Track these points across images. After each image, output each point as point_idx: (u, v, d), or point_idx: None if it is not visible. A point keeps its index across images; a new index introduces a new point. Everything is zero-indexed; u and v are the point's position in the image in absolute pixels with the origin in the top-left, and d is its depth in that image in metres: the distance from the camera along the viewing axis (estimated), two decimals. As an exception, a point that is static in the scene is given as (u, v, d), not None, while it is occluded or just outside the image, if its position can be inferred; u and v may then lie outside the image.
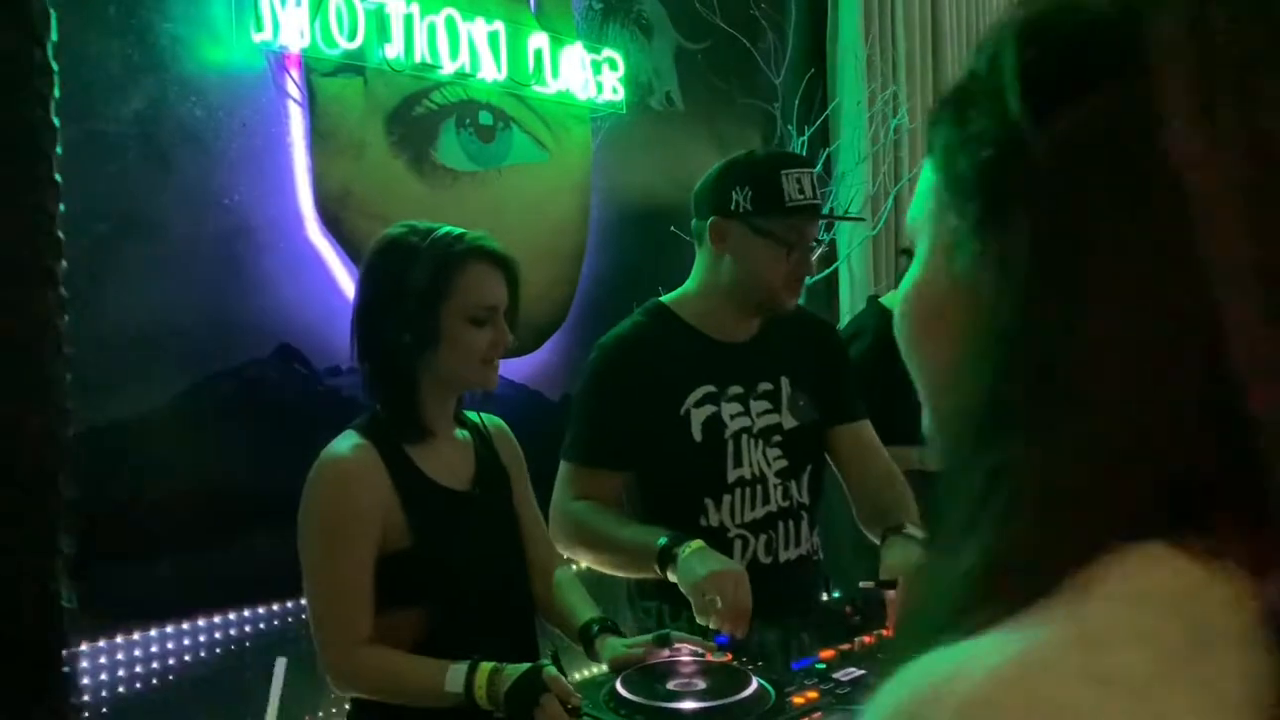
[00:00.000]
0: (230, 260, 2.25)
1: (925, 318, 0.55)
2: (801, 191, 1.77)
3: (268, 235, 2.31)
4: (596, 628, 1.62)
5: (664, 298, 1.94)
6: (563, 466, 1.86)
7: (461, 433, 1.66)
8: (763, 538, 1.84)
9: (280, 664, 1.56)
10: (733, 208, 1.78)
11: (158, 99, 2.16)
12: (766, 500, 1.85)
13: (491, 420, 1.76)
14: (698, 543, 1.65)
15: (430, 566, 1.52)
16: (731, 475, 1.83)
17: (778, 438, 1.88)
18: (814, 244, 1.91)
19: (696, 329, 1.86)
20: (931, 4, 3.64)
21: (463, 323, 1.52)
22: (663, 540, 1.65)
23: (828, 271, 3.32)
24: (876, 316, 2.88)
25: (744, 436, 1.85)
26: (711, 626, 1.57)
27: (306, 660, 1.66)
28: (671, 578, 1.64)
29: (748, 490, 1.84)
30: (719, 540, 1.80)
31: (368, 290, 1.57)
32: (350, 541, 1.49)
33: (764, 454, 1.86)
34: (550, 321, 2.82)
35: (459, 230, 1.57)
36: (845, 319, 3.27)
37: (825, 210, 1.99)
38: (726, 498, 1.82)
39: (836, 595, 2.54)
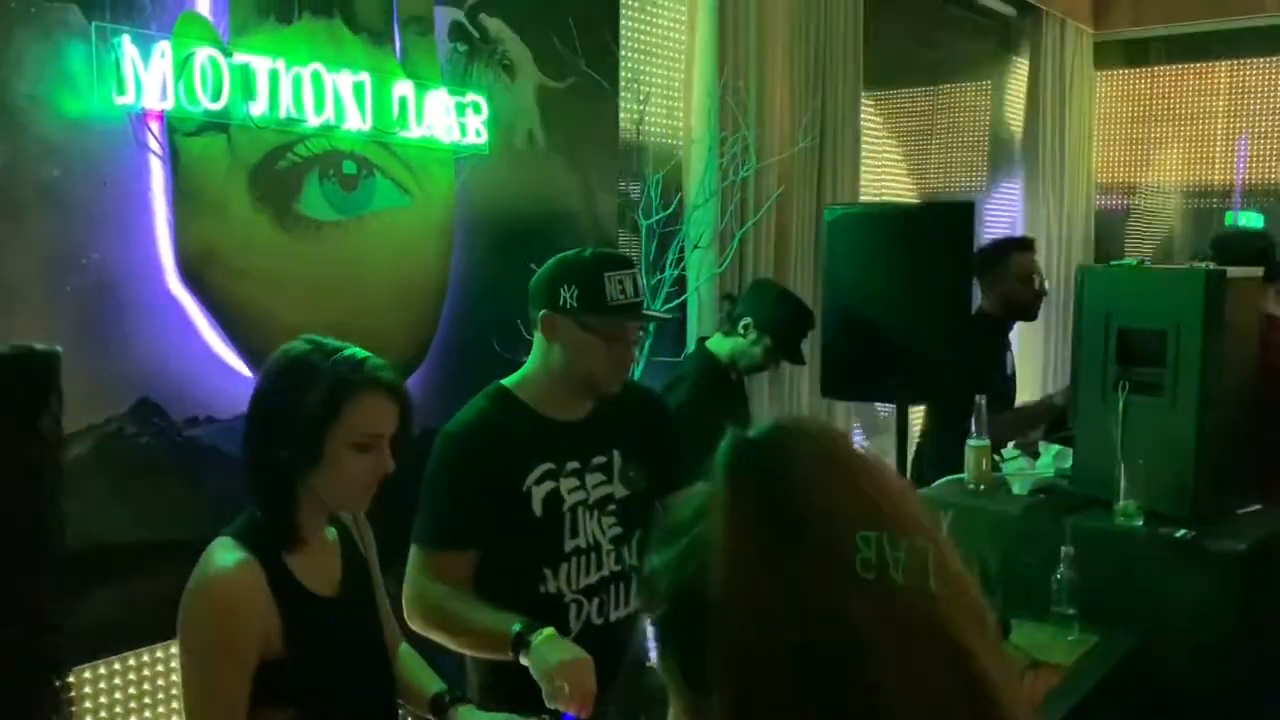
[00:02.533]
0: (90, 318, 2.26)
1: None
2: (623, 292, 1.95)
3: (128, 291, 2.33)
4: (447, 699, 1.77)
5: (505, 380, 2.09)
6: (413, 551, 1.98)
7: (331, 531, 1.74)
8: (595, 601, 2.03)
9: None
10: (561, 304, 1.95)
11: (12, 159, 2.14)
12: (600, 566, 2.04)
13: None
14: (549, 631, 1.81)
15: (303, 674, 1.60)
16: (568, 545, 2.00)
17: (611, 507, 2.06)
18: (636, 337, 2.10)
19: (535, 410, 2.02)
20: (786, 48, 3.83)
21: (346, 448, 1.58)
22: (516, 627, 1.80)
23: (676, 303, 3.51)
24: (699, 361, 3.09)
25: (580, 509, 2.02)
26: (560, 709, 1.76)
27: None
28: (524, 661, 1.79)
29: (583, 558, 2.02)
30: (555, 605, 1.99)
31: (260, 400, 1.62)
32: (231, 659, 1.55)
33: (599, 523, 2.04)
34: (411, 361, 2.91)
35: (361, 355, 1.61)
36: (690, 348, 3.48)
37: (646, 305, 2.17)
38: (564, 566, 2.00)
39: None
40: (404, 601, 1.94)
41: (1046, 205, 5.53)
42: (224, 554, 1.57)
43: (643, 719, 1.83)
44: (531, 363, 2.06)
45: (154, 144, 2.34)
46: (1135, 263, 2.90)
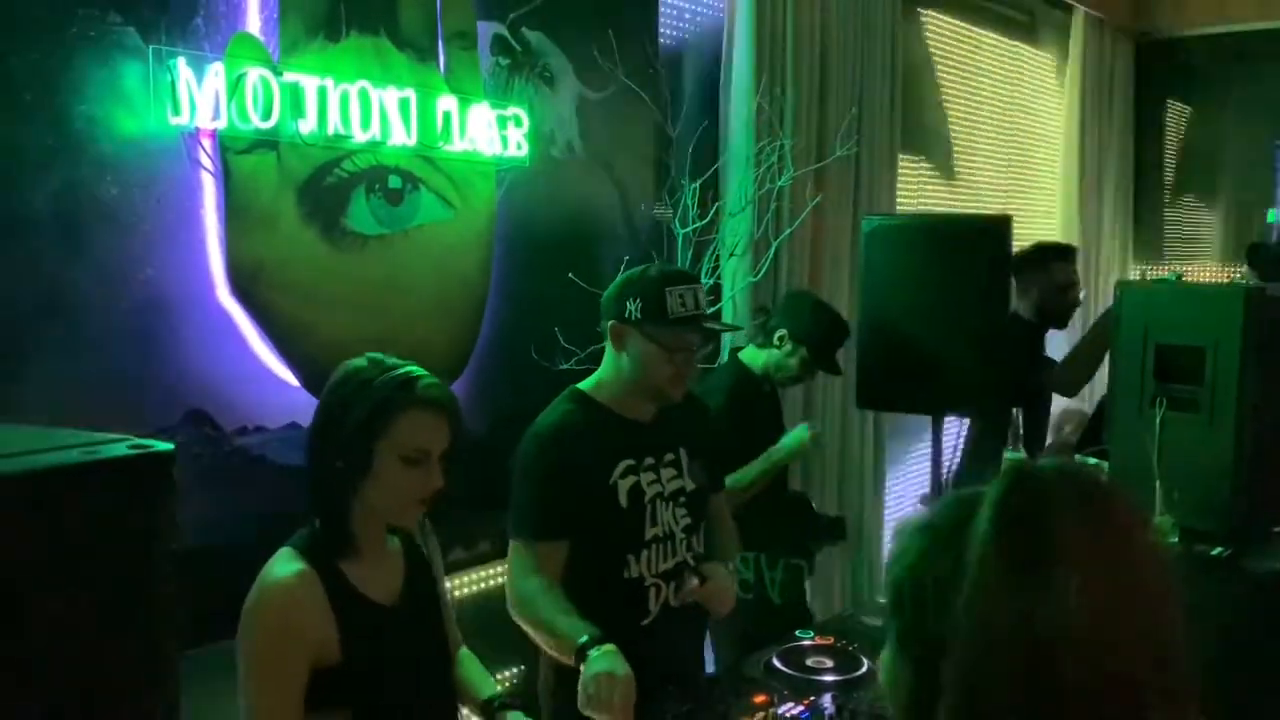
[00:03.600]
0: (144, 332, 2.33)
1: None
2: (684, 305, 2.10)
3: (181, 306, 2.39)
4: (496, 703, 1.85)
5: (580, 385, 2.26)
6: (512, 545, 2.13)
7: (394, 540, 1.80)
8: (672, 584, 2.20)
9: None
10: (627, 316, 2.12)
11: (73, 178, 2.21)
12: (674, 553, 2.22)
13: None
14: (610, 647, 1.90)
15: (358, 681, 1.66)
16: (649, 533, 2.18)
17: (683, 499, 2.25)
18: (698, 348, 2.21)
19: (613, 411, 2.19)
20: (820, 59, 3.84)
21: (394, 461, 1.66)
22: (584, 638, 1.91)
23: (713, 310, 3.53)
24: (733, 375, 3.11)
25: (657, 500, 2.20)
26: (590, 714, 1.83)
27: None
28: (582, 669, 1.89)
29: (661, 546, 2.19)
30: (637, 589, 2.16)
31: (319, 413, 1.70)
32: (287, 664, 1.62)
33: (673, 513, 2.22)
34: (452, 370, 2.96)
35: (417, 373, 1.69)
36: (725, 357, 3.51)
37: (709, 315, 2.28)
38: (644, 552, 2.17)
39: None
40: (507, 593, 2.09)
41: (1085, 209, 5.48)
42: (283, 565, 1.65)
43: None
44: (603, 369, 2.23)
45: (206, 162, 2.40)
46: (1174, 278, 2.89)
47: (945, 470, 3.26)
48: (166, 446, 0.99)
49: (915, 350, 3.17)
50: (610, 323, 2.16)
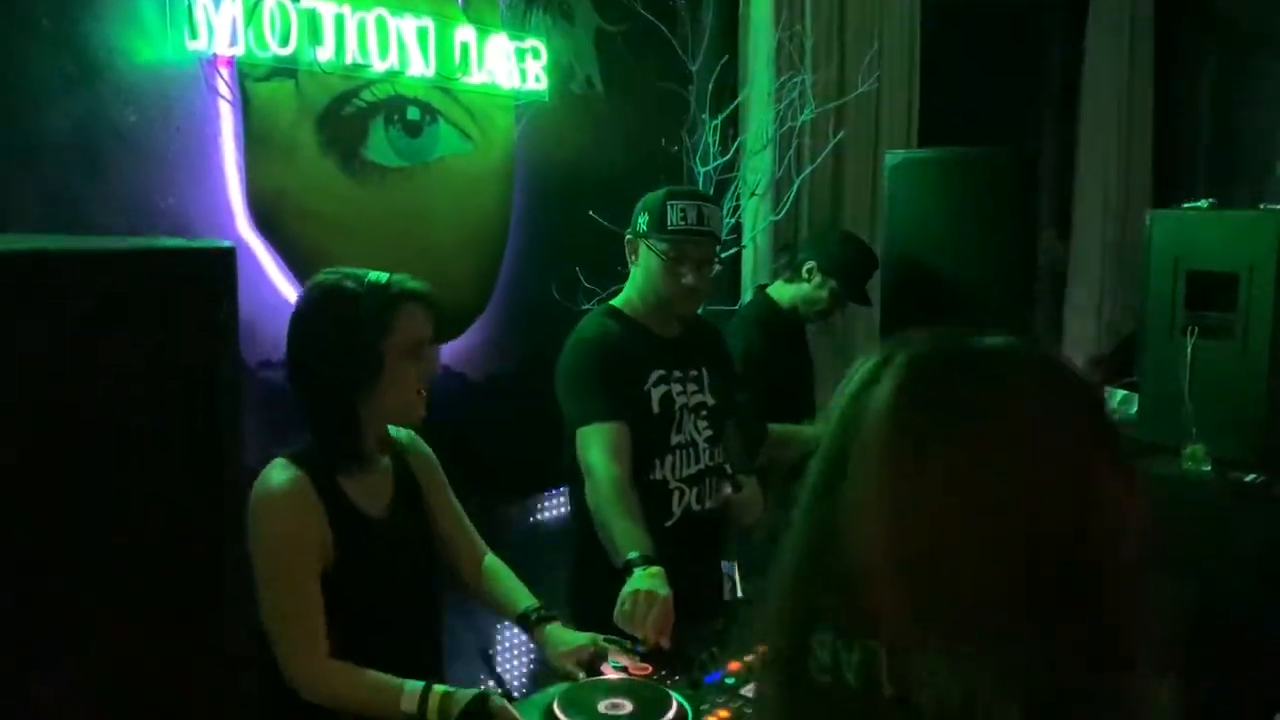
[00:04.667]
0: (166, 262, 2.30)
1: None
2: (685, 219, 2.19)
3: (200, 234, 2.36)
4: (534, 616, 1.88)
5: (614, 301, 2.36)
6: (582, 432, 2.15)
7: (385, 460, 1.84)
8: (694, 490, 2.28)
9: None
10: (636, 228, 2.26)
11: (93, 106, 2.18)
12: (697, 460, 2.29)
13: (405, 435, 1.94)
14: (656, 569, 1.92)
15: (349, 589, 1.71)
16: (674, 439, 2.26)
17: (704, 412, 2.33)
18: (709, 265, 2.27)
19: (641, 324, 2.29)
20: (841, -8, 3.77)
21: (400, 357, 1.72)
22: (633, 554, 1.94)
23: (731, 252, 3.50)
24: (760, 306, 3.08)
25: (684, 410, 2.28)
26: (624, 627, 1.84)
27: None
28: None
29: (684, 452, 2.28)
30: (662, 491, 2.24)
31: (309, 333, 1.73)
32: (297, 559, 1.67)
33: (695, 424, 2.30)
34: (473, 308, 2.94)
35: (386, 275, 1.75)
36: (746, 295, 3.48)
37: (723, 237, 2.40)
38: (669, 457, 2.25)
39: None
40: (587, 479, 2.11)
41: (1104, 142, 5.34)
42: (279, 472, 1.70)
43: (714, 650, 1.86)
44: (629, 285, 2.32)
45: (224, 89, 2.37)
46: (1207, 204, 2.85)
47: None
48: (229, 244, 0.99)
49: (940, 285, 3.14)
50: (627, 236, 2.29)
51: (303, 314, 1.75)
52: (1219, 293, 2.62)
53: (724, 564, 2.43)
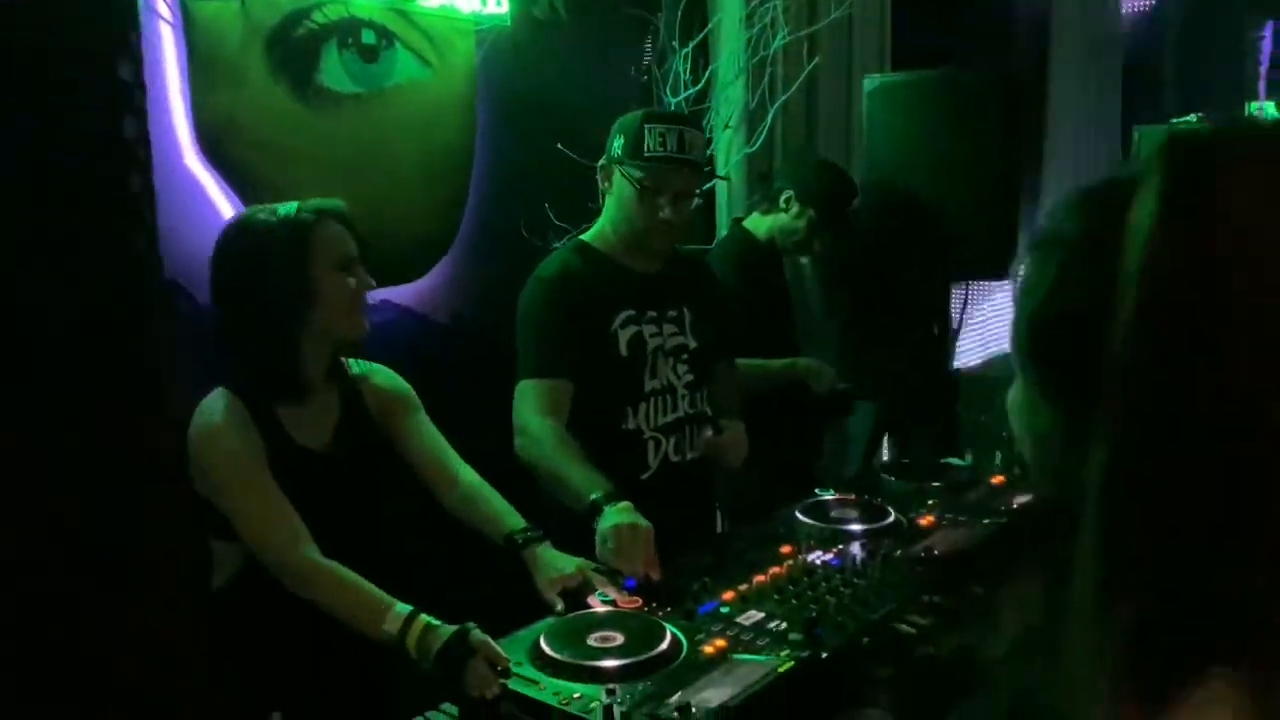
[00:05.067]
0: (106, 195, 2.15)
1: None
2: (663, 145, 2.04)
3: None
4: (521, 538, 1.80)
5: (584, 235, 2.21)
6: (520, 386, 2.05)
7: (335, 395, 1.81)
8: (672, 439, 2.16)
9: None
10: (611, 153, 2.09)
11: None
12: (675, 408, 2.17)
13: (367, 367, 1.89)
14: (625, 504, 1.83)
15: None
16: (648, 385, 2.13)
17: (685, 355, 2.19)
18: (688, 198, 2.11)
19: (614, 260, 2.14)
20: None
21: (331, 274, 1.71)
22: (596, 495, 1.85)
23: (707, 186, 3.38)
24: (737, 241, 2.96)
25: (658, 353, 2.14)
26: (612, 565, 1.76)
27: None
28: (595, 526, 1.82)
29: (660, 399, 2.14)
30: (635, 442, 2.12)
31: (234, 269, 1.72)
32: (257, 467, 1.66)
33: (674, 368, 2.17)
34: (437, 246, 2.80)
35: (295, 204, 1.73)
36: (722, 231, 3.37)
37: (704, 167, 2.20)
38: (643, 405, 2.12)
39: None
40: (515, 434, 2.02)
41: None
42: (215, 401, 1.69)
43: (706, 580, 1.77)
44: (603, 216, 2.18)
45: (163, 9, 2.20)
46: (1196, 119, 2.76)
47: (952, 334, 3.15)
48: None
49: (921, 210, 3.04)
50: (600, 163, 2.13)
51: (223, 256, 1.74)
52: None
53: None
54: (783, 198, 2.90)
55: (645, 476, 2.12)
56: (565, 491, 1.91)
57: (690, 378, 2.19)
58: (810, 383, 2.80)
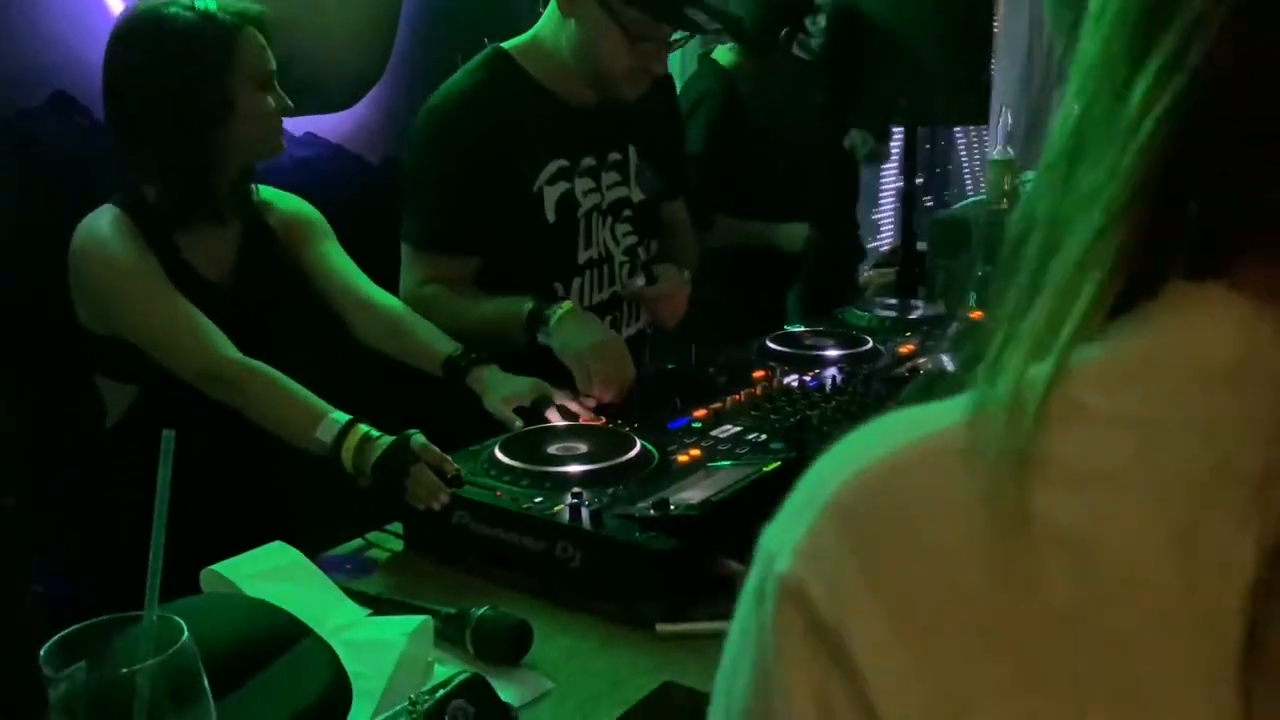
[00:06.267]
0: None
1: None
2: None
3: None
4: (464, 361, 1.59)
5: (505, 44, 1.74)
6: (406, 250, 1.72)
7: (238, 225, 1.62)
8: (608, 319, 1.81)
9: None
10: None
11: None
12: (613, 280, 1.82)
13: (271, 194, 1.69)
14: (568, 304, 1.62)
15: None
16: (582, 256, 1.77)
17: (627, 212, 1.82)
18: (671, 42, 1.70)
19: (544, 86, 1.69)
20: None
21: (251, 89, 1.52)
22: (529, 304, 1.61)
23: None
24: (717, 79, 2.76)
25: (594, 214, 1.77)
26: (594, 395, 1.56)
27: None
28: (544, 340, 1.61)
29: (596, 271, 1.79)
30: None
31: (140, 66, 1.50)
32: (156, 274, 1.47)
33: (612, 231, 1.81)
34: (367, 73, 2.55)
35: (213, 2, 1.51)
36: (676, 71, 3.14)
37: (699, 16, 1.67)
38: (576, 280, 1.77)
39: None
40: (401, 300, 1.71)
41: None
42: (104, 217, 1.50)
43: (676, 399, 1.60)
44: (542, 26, 1.71)
45: None
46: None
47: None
48: None
49: (890, 53, 2.84)
50: None
51: (126, 49, 1.51)
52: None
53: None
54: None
55: None
56: (480, 329, 1.64)
57: (632, 240, 1.82)
58: (783, 245, 2.60)
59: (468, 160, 1.64)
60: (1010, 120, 2.60)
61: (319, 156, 2.48)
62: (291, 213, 1.69)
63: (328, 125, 2.51)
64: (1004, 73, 4.48)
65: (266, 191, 1.68)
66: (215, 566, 1.17)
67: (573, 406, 1.52)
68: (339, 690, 0.96)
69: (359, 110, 2.57)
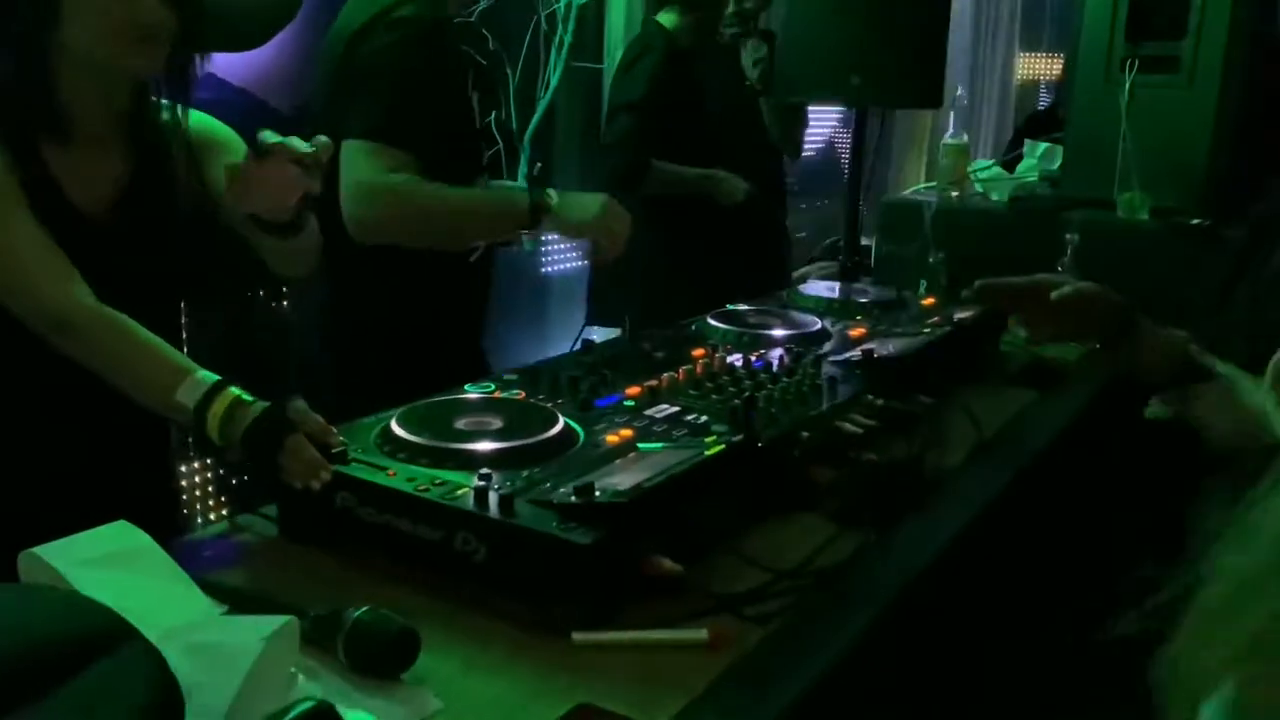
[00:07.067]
0: None
1: None
2: None
3: None
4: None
5: None
6: (360, 145, 1.64)
7: (122, 142, 1.35)
8: None
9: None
10: None
11: None
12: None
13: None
14: (551, 190, 1.72)
15: None
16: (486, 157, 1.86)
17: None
18: None
19: None
20: None
21: None
22: (522, 198, 1.68)
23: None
24: (660, 36, 2.62)
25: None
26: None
27: None
28: (549, 227, 1.73)
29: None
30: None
31: None
32: (9, 193, 1.21)
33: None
34: (276, 9, 2.32)
35: None
36: (620, 32, 2.98)
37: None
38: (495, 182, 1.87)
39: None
40: (358, 194, 1.62)
41: None
42: None
43: (605, 372, 1.42)
44: None
45: None
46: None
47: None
48: None
49: (842, 29, 2.69)
50: None
51: None
52: (1165, 20, 2.31)
53: None
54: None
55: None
56: (466, 216, 1.71)
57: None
58: (719, 197, 2.51)
59: (418, 63, 1.69)
60: (965, 101, 2.47)
61: (219, 100, 2.23)
62: (197, 130, 1.42)
63: (232, 66, 2.28)
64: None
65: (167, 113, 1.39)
66: (37, 549, 0.96)
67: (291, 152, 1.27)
68: (164, 708, 0.75)
69: (268, 52, 2.34)
